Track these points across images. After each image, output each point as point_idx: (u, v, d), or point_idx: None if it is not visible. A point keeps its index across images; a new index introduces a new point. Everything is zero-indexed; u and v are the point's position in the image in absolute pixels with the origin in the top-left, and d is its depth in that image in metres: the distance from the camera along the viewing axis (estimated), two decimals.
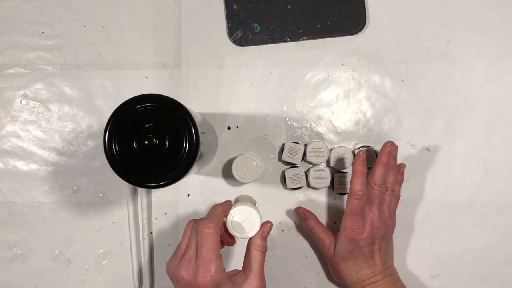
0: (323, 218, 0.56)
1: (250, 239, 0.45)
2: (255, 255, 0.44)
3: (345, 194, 0.55)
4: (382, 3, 0.56)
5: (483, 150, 0.56)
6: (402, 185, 0.53)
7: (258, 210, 0.45)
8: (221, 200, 0.56)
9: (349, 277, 0.50)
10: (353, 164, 0.49)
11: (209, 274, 0.39)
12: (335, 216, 0.56)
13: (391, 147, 0.50)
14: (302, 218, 0.54)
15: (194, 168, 0.41)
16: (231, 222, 0.45)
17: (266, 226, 0.45)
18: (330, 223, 0.56)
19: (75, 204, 0.57)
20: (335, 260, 0.51)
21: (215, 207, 0.45)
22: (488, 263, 0.56)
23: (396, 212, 0.52)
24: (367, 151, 0.54)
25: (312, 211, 0.55)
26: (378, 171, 0.50)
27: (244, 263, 0.44)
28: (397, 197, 0.53)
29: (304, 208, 0.54)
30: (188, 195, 0.56)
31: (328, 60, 0.56)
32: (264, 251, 0.44)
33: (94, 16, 0.57)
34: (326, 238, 0.52)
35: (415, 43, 0.56)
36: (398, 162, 0.56)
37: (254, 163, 0.52)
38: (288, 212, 0.56)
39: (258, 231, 0.44)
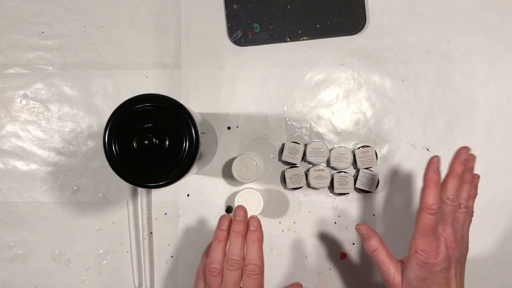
0: (323, 218, 0.56)
1: None
2: None
3: (345, 194, 0.55)
4: (382, 3, 0.56)
5: (483, 150, 0.56)
6: (408, 187, 0.54)
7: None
8: (221, 199, 0.56)
9: None
10: (425, 172, 0.42)
11: None
12: (335, 216, 0.56)
13: (466, 155, 0.44)
14: (363, 237, 0.46)
15: (194, 168, 0.41)
16: (237, 203, 0.52)
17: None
18: (330, 223, 0.56)
19: (75, 204, 0.57)
20: None
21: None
22: (488, 263, 0.56)
23: (396, 213, 0.52)
24: (369, 150, 0.54)
25: (311, 212, 0.55)
26: (452, 183, 0.43)
27: None
28: (471, 215, 0.46)
29: (367, 226, 0.47)
30: (188, 195, 0.56)
31: (328, 60, 0.56)
32: None
33: (94, 16, 0.57)
34: (391, 264, 0.45)
35: (415, 43, 0.56)
36: (396, 165, 0.56)
37: (254, 163, 0.53)
38: (288, 212, 0.56)
39: None
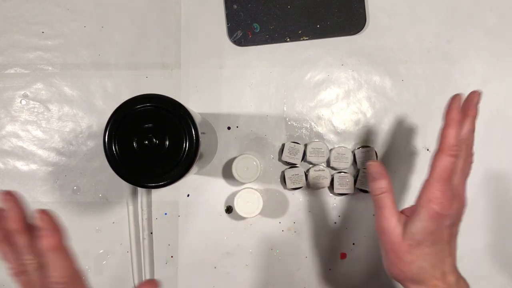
0: (322, 218, 0.56)
1: None
2: None
3: (345, 194, 0.55)
4: (382, 3, 0.56)
5: (483, 150, 0.56)
6: (408, 187, 0.54)
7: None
8: (221, 199, 0.56)
9: (420, 272, 0.38)
10: (448, 110, 0.37)
11: None
12: (335, 216, 0.56)
13: (478, 97, 0.38)
14: (373, 176, 0.41)
15: (194, 168, 0.41)
16: (237, 203, 0.52)
17: None
18: (330, 223, 0.56)
19: (75, 204, 0.57)
20: (404, 246, 0.38)
21: None
22: (488, 263, 0.56)
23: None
24: (369, 150, 0.54)
25: (311, 212, 0.55)
26: (454, 133, 0.37)
27: None
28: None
29: (380, 164, 0.41)
30: (188, 195, 0.56)
31: (328, 60, 0.56)
32: None
33: (94, 16, 0.57)
34: (394, 213, 0.39)
35: (415, 43, 0.56)
36: (396, 165, 0.56)
37: (254, 163, 0.53)
38: (288, 212, 0.56)
39: None
